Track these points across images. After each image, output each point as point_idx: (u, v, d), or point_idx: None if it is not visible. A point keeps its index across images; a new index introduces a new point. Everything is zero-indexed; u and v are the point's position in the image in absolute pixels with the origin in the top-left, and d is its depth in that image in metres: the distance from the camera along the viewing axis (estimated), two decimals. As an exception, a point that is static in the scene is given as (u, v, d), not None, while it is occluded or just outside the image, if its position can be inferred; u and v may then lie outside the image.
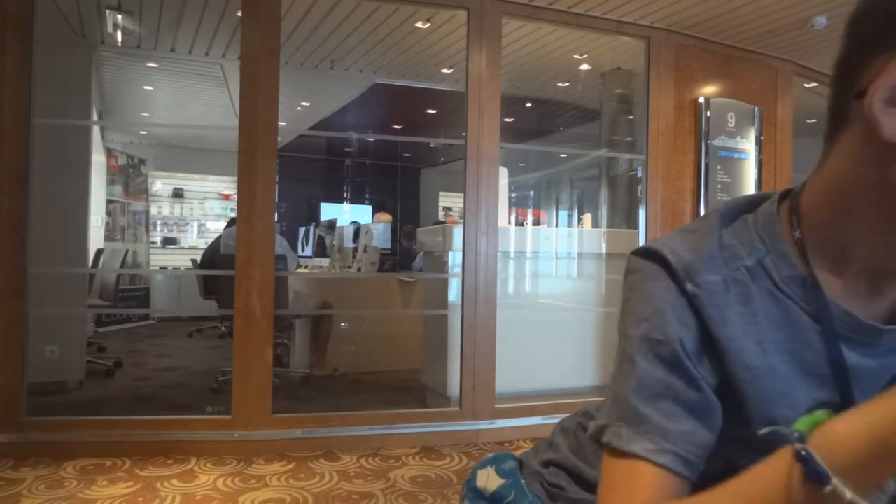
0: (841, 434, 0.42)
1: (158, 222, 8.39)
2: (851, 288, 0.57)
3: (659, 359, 0.56)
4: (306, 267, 5.98)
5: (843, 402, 0.56)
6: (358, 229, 4.82)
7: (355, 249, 5.03)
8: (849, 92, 0.52)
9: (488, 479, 0.85)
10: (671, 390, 0.55)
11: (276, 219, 3.07)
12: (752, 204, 0.64)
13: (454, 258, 3.58)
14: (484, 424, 3.26)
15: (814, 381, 0.57)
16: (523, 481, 0.83)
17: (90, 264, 4.82)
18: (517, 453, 0.91)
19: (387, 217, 6.24)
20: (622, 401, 0.57)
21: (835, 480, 0.41)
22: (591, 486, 0.78)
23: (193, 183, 8.62)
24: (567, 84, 5.06)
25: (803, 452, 0.42)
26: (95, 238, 5.89)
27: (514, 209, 8.23)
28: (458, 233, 3.47)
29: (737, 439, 0.57)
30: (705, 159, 3.82)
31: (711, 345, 0.57)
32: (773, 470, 0.45)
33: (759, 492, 0.45)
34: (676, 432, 0.54)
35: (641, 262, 0.62)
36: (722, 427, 0.57)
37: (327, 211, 9.18)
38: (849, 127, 0.53)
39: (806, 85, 4.43)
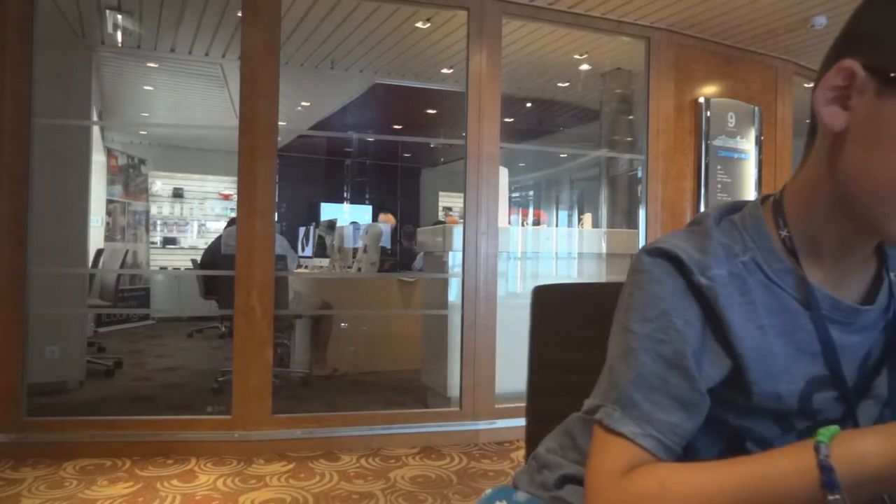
0: (867, 452, 0.51)
1: (158, 222, 8.39)
2: (829, 275, 0.66)
3: (661, 357, 0.62)
4: (306, 267, 5.98)
5: (832, 374, 0.64)
6: (364, 229, 4.82)
7: (355, 250, 5.03)
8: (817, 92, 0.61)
9: None
10: (666, 386, 0.62)
11: (276, 219, 3.07)
12: (735, 207, 0.72)
13: (454, 258, 3.58)
14: (484, 424, 3.26)
15: (807, 358, 0.64)
16: None
17: (90, 264, 4.83)
18: (510, 485, 0.87)
19: (391, 219, 6.24)
20: (619, 387, 0.63)
21: (842, 494, 0.49)
22: None
23: (193, 183, 8.62)
24: (567, 84, 5.06)
25: (827, 464, 0.50)
26: (95, 238, 5.89)
27: (517, 209, 8.23)
28: (458, 233, 3.46)
29: (738, 406, 0.65)
30: (705, 159, 3.82)
31: (721, 331, 0.63)
32: (792, 465, 0.52)
33: (774, 476, 0.53)
34: (662, 422, 0.61)
35: (651, 260, 0.66)
36: (728, 396, 0.65)
37: (327, 211, 9.18)
38: (818, 131, 0.63)
39: (806, 85, 4.43)
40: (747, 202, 0.71)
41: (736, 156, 3.93)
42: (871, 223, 0.59)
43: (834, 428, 0.53)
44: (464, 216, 3.35)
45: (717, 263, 0.64)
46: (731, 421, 0.66)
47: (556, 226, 8.03)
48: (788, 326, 0.64)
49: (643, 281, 0.66)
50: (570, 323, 1.08)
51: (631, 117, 4.59)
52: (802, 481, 0.51)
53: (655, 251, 0.66)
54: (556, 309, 1.09)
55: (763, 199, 0.70)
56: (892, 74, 0.54)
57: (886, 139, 0.55)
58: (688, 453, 0.64)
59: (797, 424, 0.66)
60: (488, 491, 0.86)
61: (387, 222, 5.57)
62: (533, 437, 1.07)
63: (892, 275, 0.68)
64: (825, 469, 0.50)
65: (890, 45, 0.55)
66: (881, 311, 0.67)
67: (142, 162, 7.89)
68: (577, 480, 0.79)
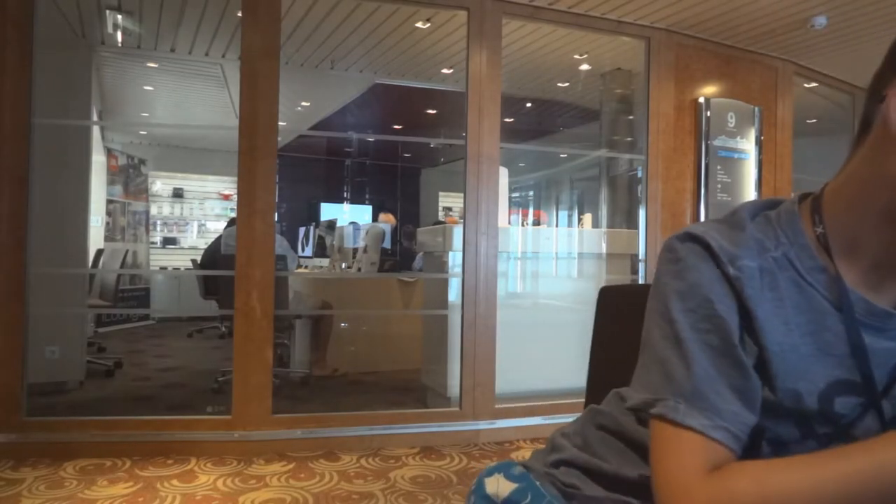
0: None
1: (158, 222, 8.39)
2: (865, 277, 0.64)
3: (710, 346, 0.62)
4: (306, 267, 5.98)
5: (863, 379, 0.63)
6: (364, 229, 4.82)
7: (355, 250, 5.03)
8: (874, 102, 0.62)
9: (499, 486, 0.84)
10: (723, 375, 0.61)
11: (276, 219, 3.07)
12: (772, 204, 0.71)
13: (454, 258, 3.58)
14: (484, 424, 3.26)
15: (831, 361, 0.63)
16: (537, 482, 0.82)
17: (90, 264, 4.83)
18: (517, 460, 0.90)
19: (391, 219, 6.23)
20: (677, 379, 0.62)
21: None
22: (605, 480, 0.79)
23: (193, 183, 8.62)
24: (567, 84, 5.06)
25: None
26: (95, 238, 5.89)
27: (518, 210, 8.23)
28: (458, 233, 3.46)
29: (762, 402, 0.64)
30: (705, 159, 3.82)
31: (749, 322, 0.63)
32: (890, 459, 0.52)
33: (889, 464, 0.52)
34: (728, 411, 0.60)
35: (683, 246, 0.66)
36: None
37: (327, 211, 9.18)
38: (871, 132, 0.62)
39: (806, 85, 4.43)
40: (784, 199, 0.70)
41: (736, 156, 3.93)
42: None
43: None
44: (464, 216, 3.35)
45: (746, 255, 0.64)
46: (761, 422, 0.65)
47: (556, 226, 8.03)
48: (814, 326, 0.63)
49: (680, 269, 0.65)
50: (634, 323, 1.09)
51: (631, 117, 4.59)
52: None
53: (686, 236, 0.66)
54: (620, 309, 1.10)
55: (802, 198, 0.70)
56: None
57: None
58: None
59: (818, 429, 0.65)
60: (491, 464, 0.88)
61: (387, 222, 5.57)
62: None
63: None
64: None
65: None
66: None
67: (142, 162, 7.89)
68: (572, 463, 0.83)
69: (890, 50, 0.63)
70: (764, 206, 0.71)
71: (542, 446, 0.92)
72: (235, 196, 3.19)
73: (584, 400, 1.09)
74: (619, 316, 1.09)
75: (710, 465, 0.58)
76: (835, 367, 0.63)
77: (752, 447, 0.65)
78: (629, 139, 4.62)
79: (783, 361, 0.62)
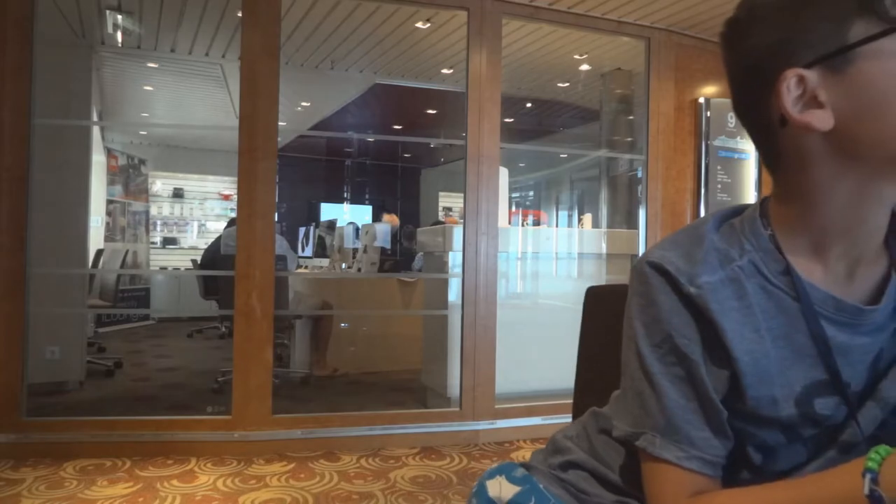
0: None
1: (158, 222, 8.39)
2: (832, 273, 0.65)
3: (678, 378, 0.65)
4: (306, 267, 5.98)
5: (830, 376, 0.63)
6: (363, 229, 4.82)
7: (355, 250, 5.03)
8: (764, 123, 0.63)
9: (501, 489, 0.82)
10: (692, 404, 0.65)
11: (276, 219, 3.07)
12: (738, 211, 0.72)
13: (454, 258, 3.58)
14: (484, 425, 3.26)
15: (808, 362, 0.64)
16: (541, 485, 0.81)
17: (90, 264, 4.83)
18: (517, 461, 0.89)
19: (394, 219, 6.23)
20: (652, 414, 0.66)
21: None
22: (613, 488, 0.80)
23: (193, 183, 8.62)
24: (567, 84, 5.06)
25: (876, 495, 0.49)
26: (95, 238, 5.89)
27: (518, 210, 8.23)
28: (458, 233, 3.46)
29: (737, 411, 0.66)
30: (705, 159, 3.82)
31: (716, 337, 0.64)
32: (841, 491, 0.53)
33: (819, 499, 0.54)
34: (701, 439, 0.64)
35: (648, 272, 0.67)
36: (728, 401, 0.65)
37: (327, 211, 9.18)
38: (790, 148, 0.63)
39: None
40: (749, 205, 0.71)
41: (736, 156, 3.93)
42: None
43: (885, 449, 0.52)
44: (464, 216, 3.35)
45: (706, 270, 0.64)
46: (735, 425, 0.66)
47: (556, 226, 8.03)
48: (786, 329, 0.64)
49: (644, 303, 0.68)
50: (620, 324, 1.08)
51: (631, 117, 4.59)
52: None
53: (650, 263, 0.67)
54: (608, 310, 1.09)
55: (764, 201, 0.70)
56: (831, 53, 0.57)
57: (888, 91, 0.56)
58: None
59: (803, 432, 0.66)
60: (492, 466, 0.88)
61: (390, 223, 5.56)
62: None
63: None
64: (874, 499, 0.50)
65: (800, 40, 0.58)
66: (891, 311, 0.65)
67: (142, 162, 7.89)
68: (581, 466, 0.83)
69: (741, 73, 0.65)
70: (730, 214, 0.71)
71: (542, 446, 0.92)
72: (235, 196, 3.19)
73: (572, 401, 1.09)
74: (606, 316, 1.08)
75: (689, 493, 0.63)
76: (810, 369, 0.64)
77: (740, 454, 0.67)
78: (629, 139, 4.62)
79: (756, 368, 0.63)
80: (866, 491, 0.49)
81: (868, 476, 0.50)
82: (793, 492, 0.57)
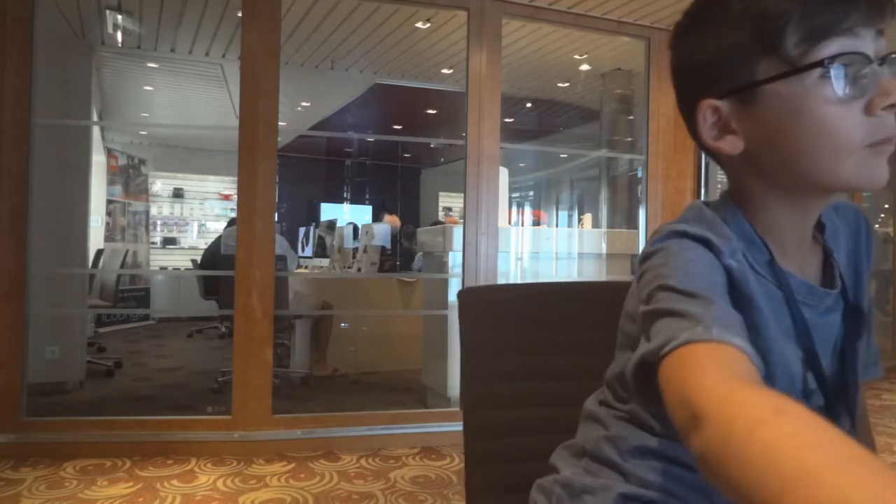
0: None
1: (158, 222, 8.39)
2: (793, 259, 0.68)
3: (724, 298, 0.57)
4: (306, 267, 5.98)
5: (806, 356, 0.66)
6: (363, 229, 4.82)
7: (355, 250, 5.03)
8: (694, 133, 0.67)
9: None
10: (740, 321, 0.55)
11: (276, 219, 3.07)
12: (704, 204, 0.72)
13: (454, 258, 3.58)
14: (484, 425, 3.26)
15: (791, 343, 0.66)
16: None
17: (90, 264, 4.82)
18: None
19: (395, 220, 6.23)
20: (696, 315, 0.52)
21: None
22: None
23: (193, 183, 8.62)
24: (567, 84, 5.06)
25: None
26: (95, 238, 5.89)
27: (520, 210, 8.23)
28: (458, 233, 3.46)
29: None
30: (705, 159, 3.81)
31: (752, 316, 0.62)
32: None
33: None
34: (753, 352, 0.51)
35: (675, 241, 0.63)
36: None
37: (327, 211, 9.18)
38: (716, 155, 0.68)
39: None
40: (712, 201, 0.71)
41: (736, 156, 3.93)
42: (823, 180, 0.62)
43: None
44: (464, 216, 3.35)
45: (737, 247, 0.64)
46: None
47: (556, 226, 8.03)
48: (775, 314, 0.65)
49: (671, 252, 0.61)
50: (500, 328, 1.03)
51: (631, 117, 4.59)
52: None
53: (675, 233, 0.63)
54: (485, 313, 1.03)
55: (729, 192, 0.72)
56: (740, 87, 0.61)
57: (793, 116, 0.60)
58: None
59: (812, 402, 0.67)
60: None
61: (391, 223, 5.56)
62: (475, 452, 0.98)
63: (834, 259, 0.71)
64: None
65: (716, 71, 0.63)
66: (838, 293, 0.69)
67: (142, 162, 7.89)
68: (636, 498, 0.69)
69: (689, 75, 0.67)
70: (702, 206, 0.70)
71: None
72: (235, 196, 3.19)
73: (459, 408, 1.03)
74: (484, 317, 1.03)
75: (756, 378, 0.48)
76: (797, 349, 0.66)
77: None
78: (629, 139, 4.62)
79: (775, 352, 0.64)
80: None
81: None
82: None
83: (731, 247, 0.63)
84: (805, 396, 0.66)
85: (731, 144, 0.64)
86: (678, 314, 0.54)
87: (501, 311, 1.04)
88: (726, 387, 0.44)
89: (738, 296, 0.61)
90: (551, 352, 1.03)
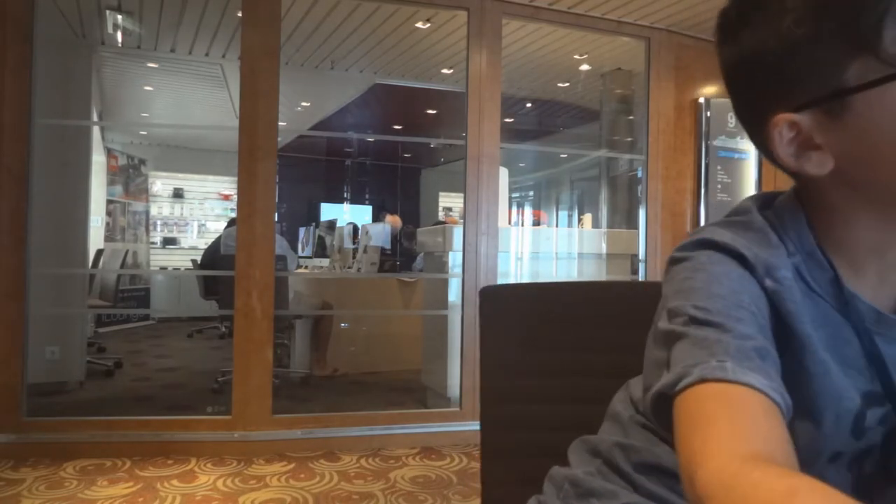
0: None
1: (158, 222, 8.39)
2: (865, 280, 0.59)
3: (745, 316, 0.53)
4: (306, 267, 5.98)
5: (884, 390, 0.57)
6: (364, 229, 4.82)
7: (355, 250, 5.03)
8: (763, 148, 0.59)
9: None
10: (762, 341, 0.51)
11: (276, 219, 3.07)
12: (769, 199, 0.63)
13: (454, 258, 3.58)
14: (484, 425, 3.26)
15: (853, 373, 0.57)
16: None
17: (90, 264, 4.82)
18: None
19: (397, 221, 6.22)
20: (711, 344, 0.49)
21: None
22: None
23: (193, 183, 8.62)
24: (567, 84, 5.06)
25: None
26: (95, 238, 5.88)
27: (520, 210, 8.23)
28: (458, 233, 3.47)
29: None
30: (705, 159, 3.82)
31: (788, 342, 0.55)
32: None
33: None
34: (778, 382, 0.48)
35: (704, 253, 0.57)
36: None
37: (327, 211, 9.18)
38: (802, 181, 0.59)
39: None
40: (779, 194, 0.63)
41: (736, 156, 3.93)
42: None
43: None
44: (464, 216, 3.35)
45: (782, 263, 0.56)
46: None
47: (557, 226, 8.03)
48: (834, 340, 0.57)
49: (698, 265, 0.56)
50: (520, 325, 1.04)
51: (631, 117, 4.59)
52: None
53: (704, 243, 0.57)
54: (506, 311, 1.05)
55: (796, 193, 0.62)
56: (825, 97, 0.52)
57: (887, 127, 0.51)
58: None
59: (844, 449, 0.59)
60: None
61: (393, 223, 5.56)
62: (490, 444, 1.01)
63: None
64: None
65: (789, 76, 0.53)
66: None
67: (142, 162, 7.88)
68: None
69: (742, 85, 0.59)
70: (763, 205, 0.63)
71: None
72: (235, 196, 3.19)
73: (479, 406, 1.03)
74: (504, 317, 1.04)
75: (782, 436, 0.45)
76: (859, 381, 0.58)
77: None
78: (629, 139, 4.62)
79: (826, 380, 0.55)
80: None
81: None
82: None
83: (775, 262, 0.56)
84: (855, 436, 0.57)
85: (818, 164, 0.54)
86: (693, 340, 0.51)
87: (521, 309, 1.06)
88: (734, 467, 0.40)
89: (778, 317, 0.55)
90: (569, 349, 1.04)
